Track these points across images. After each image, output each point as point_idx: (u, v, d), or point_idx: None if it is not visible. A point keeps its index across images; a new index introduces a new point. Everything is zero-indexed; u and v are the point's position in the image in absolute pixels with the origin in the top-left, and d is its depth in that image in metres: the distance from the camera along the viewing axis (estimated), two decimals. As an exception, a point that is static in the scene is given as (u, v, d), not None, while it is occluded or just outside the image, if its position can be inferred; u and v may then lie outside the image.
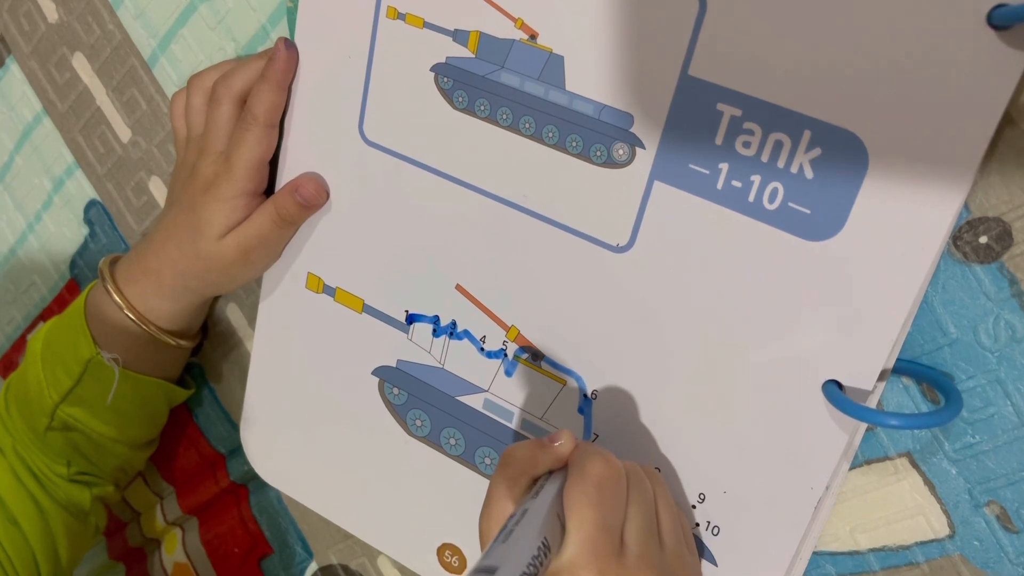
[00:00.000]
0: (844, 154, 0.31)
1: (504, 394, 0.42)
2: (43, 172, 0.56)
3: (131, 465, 0.54)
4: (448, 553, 0.46)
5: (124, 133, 0.52)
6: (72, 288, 0.58)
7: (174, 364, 0.52)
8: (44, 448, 0.50)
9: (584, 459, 0.34)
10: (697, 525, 0.38)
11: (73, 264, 0.57)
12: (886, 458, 0.36)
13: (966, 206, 0.32)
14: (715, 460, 0.37)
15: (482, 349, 0.42)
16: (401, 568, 0.50)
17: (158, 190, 0.52)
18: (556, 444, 0.34)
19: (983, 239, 0.32)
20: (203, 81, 0.45)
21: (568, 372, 0.40)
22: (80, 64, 0.52)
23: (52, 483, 0.51)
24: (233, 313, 0.52)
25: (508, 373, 0.42)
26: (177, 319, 0.48)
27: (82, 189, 0.55)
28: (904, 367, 0.34)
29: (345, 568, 0.52)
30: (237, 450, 0.54)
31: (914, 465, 0.35)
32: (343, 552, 0.52)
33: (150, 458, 0.58)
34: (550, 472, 0.34)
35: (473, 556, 0.45)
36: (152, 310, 0.47)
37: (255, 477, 0.53)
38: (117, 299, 0.47)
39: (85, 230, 0.56)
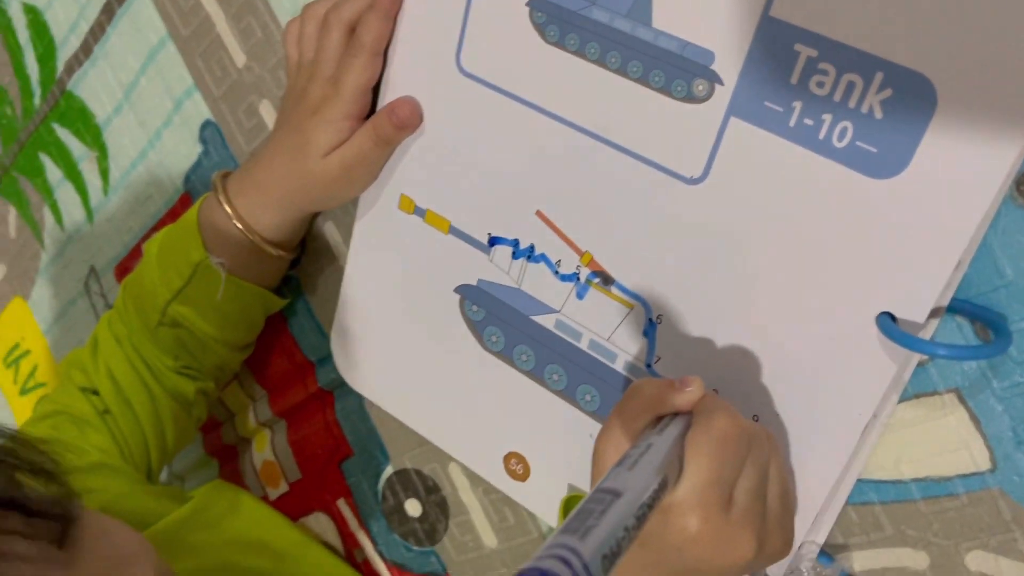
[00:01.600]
0: (914, 96, 0.33)
1: (574, 315, 0.45)
2: (165, 93, 0.61)
3: (229, 365, 0.59)
4: (513, 461, 0.50)
5: (239, 58, 0.57)
6: (185, 201, 0.63)
7: (274, 274, 0.56)
8: (155, 342, 0.56)
9: (713, 412, 0.35)
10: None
11: (187, 179, 0.62)
12: (935, 393, 0.37)
13: (1030, 152, 0.33)
14: (770, 383, 0.39)
15: (557, 272, 0.45)
16: (469, 474, 0.53)
17: (267, 113, 0.56)
18: (686, 389, 0.36)
19: (1045, 185, 0.33)
20: (316, 10, 0.49)
21: (636, 297, 0.43)
22: (203, -8, 0.57)
23: (161, 373, 0.56)
24: (330, 231, 0.56)
25: (580, 296, 0.45)
26: (280, 231, 0.53)
27: (199, 110, 0.60)
28: (959, 306, 0.36)
29: (418, 472, 0.56)
30: (326, 358, 0.58)
31: (962, 401, 0.37)
32: (417, 457, 0.56)
33: (245, 362, 0.63)
34: (674, 414, 0.36)
35: (536, 465, 0.49)
36: (258, 221, 0.52)
37: (341, 384, 0.58)
38: (227, 209, 0.52)
39: (199, 148, 0.61)
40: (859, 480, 0.40)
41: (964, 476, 0.38)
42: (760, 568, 0.38)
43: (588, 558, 0.25)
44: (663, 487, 0.32)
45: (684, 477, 0.34)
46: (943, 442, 0.38)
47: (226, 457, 0.69)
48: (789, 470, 0.40)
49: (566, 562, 0.25)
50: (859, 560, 0.41)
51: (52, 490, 0.35)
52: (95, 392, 0.56)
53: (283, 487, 0.64)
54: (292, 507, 0.64)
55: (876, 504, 0.40)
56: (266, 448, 0.65)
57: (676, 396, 0.36)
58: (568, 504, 0.47)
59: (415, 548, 0.58)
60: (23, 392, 0.84)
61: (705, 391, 0.36)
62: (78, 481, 0.52)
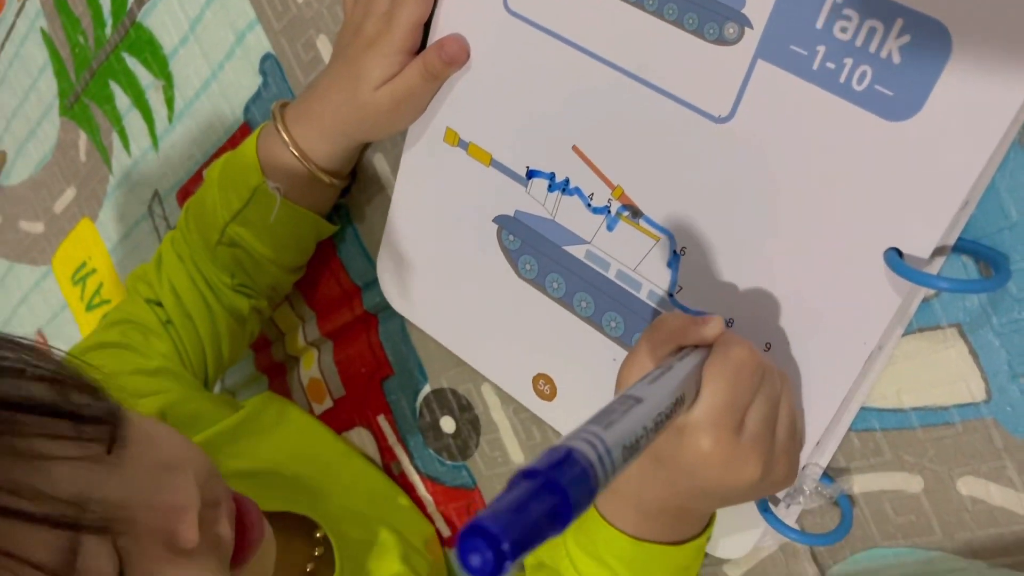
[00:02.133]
0: (930, 43, 0.35)
1: (604, 246, 0.48)
2: (228, 26, 0.64)
3: (281, 285, 0.63)
4: (542, 382, 0.53)
5: (300, -6, 0.60)
6: (244, 130, 0.67)
7: (325, 201, 0.60)
8: (214, 260, 0.60)
9: (731, 343, 0.38)
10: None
11: (247, 109, 0.66)
12: (938, 327, 0.40)
13: (1039, 99, 0.35)
14: (782, 313, 0.42)
15: (589, 205, 0.48)
16: (500, 394, 0.57)
17: (324, 47, 0.59)
18: (708, 324, 0.39)
19: (1051, 131, 0.35)
20: (372, -51, 0.52)
21: (662, 229, 0.46)
22: (267, -70, 0.60)
23: (219, 290, 0.60)
24: (379, 162, 0.59)
25: (609, 228, 0.48)
26: (332, 159, 0.56)
27: (260, 43, 0.63)
28: (964, 245, 0.38)
29: (453, 392, 0.60)
30: (372, 283, 0.62)
31: (962, 335, 0.39)
32: (453, 378, 0.60)
33: (296, 285, 0.67)
34: (695, 346, 0.39)
35: (563, 386, 0.52)
36: (312, 149, 0.55)
37: (385, 308, 0.61)
38: (285, 137, 0.55)
39: (259, 80, 0.64)
40: (862, 408, 0.43)
41: (960, 406, 0.40)
42: (764, 494, 0.41)
43: (610, 444, 0.28)
44: (680, 403, 0.35)
45: (700, 400, 0.36)
46: (943, 374, 0.40)
47: (275, 374, 0.74)
48: (798, 403, 0.42)
49: (592, 445, 0.27)
50: (859, 482, 0.44)
51: (98, 405, 0.38)
52: (159, 304, 0.60)
53: (328, 403, 0.69)
54: (335, 422, 0.68)
55: (877, 431, 0.43)
56: (313, 366, 0.69)
57: (699, 329, 0.39)
58: None
59: (448, 462, 0.62)
60: (89, 308, 0.89)
61: (725, 327, 0.39)
62: (143, 383, 0.57)
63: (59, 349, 0.42)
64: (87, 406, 0.37)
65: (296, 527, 0.55)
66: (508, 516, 0.24)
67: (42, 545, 0.33)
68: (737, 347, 0.38)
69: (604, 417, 0.30)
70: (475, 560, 0.23)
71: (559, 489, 0.25)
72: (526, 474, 0.25)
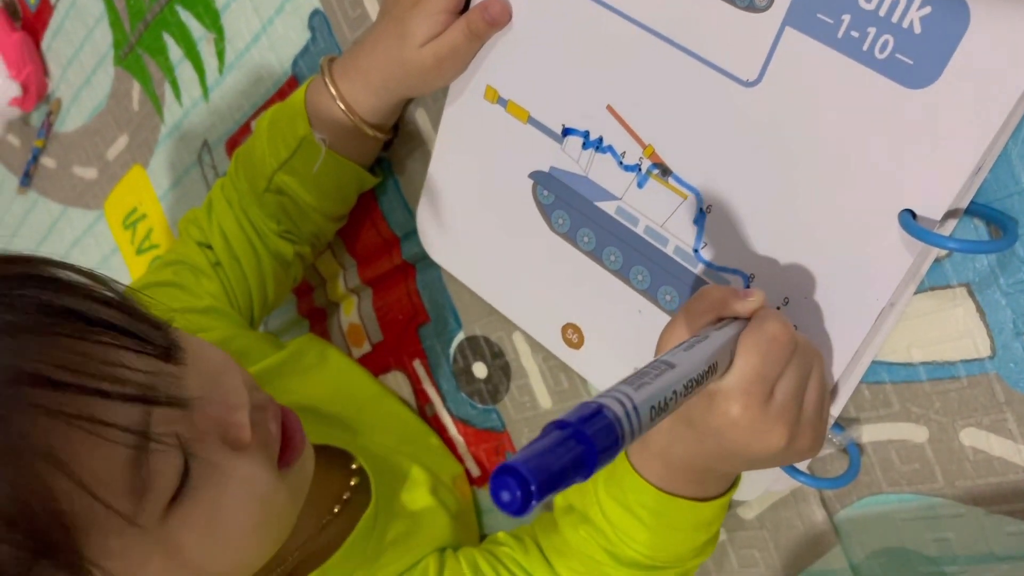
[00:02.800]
0: (950, 14, 0.37)
1: (634, 203, 0.50)
2: (278, -18, 0.67)
3: (324, 233, 0.66)
4: (570, 331, 0.56)
5: (348, -48, 0.62)
6: (292, 84, 0.69)
7: (369, 153, 0.63)
8: (261, 206, 0.63)
9: (767, 317, 0.39)
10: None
11: (295, 63, 0.69)
12: (948, 287, 0.42)
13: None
14: (800, 269, 0.44)
15: (621, 163, 0.50)
16: (531, 342, 0.60)
17: (371, 5, 0.62)
18: (748, 298, 0.40)
19: (1063, 101, 0.37)
20: (420, -90, 0.54)
21: (690, 188, 0.48)
22: None
23: (265, 235, 0.63)
24: (421, 117, 0.62)
25: (640, 185, 0.50)
26: (376, 113, 0.59)
27: (309, -1, 0.65)
28: (976, 209, 0.40)
29: (486, 339, 0.63)
30: (411, 234, 0.65)
31: (971, 294, 0.41)
32: (486, 326, 0.63)
33: (338, 234, 0.70)
34: (734, 318, 0.41)
35: (590, 335, 0.55)
36: (358, 102, 0.58)
37: (423, 258, 0.64)
38: (332, 90, 0.58)
39: (307, 35, 0.67)
40: (873, 362, 0.45)
41: (967, 361, 0.42)
42: (788, 462, 0.43)
43: (638, 403, 0.31)
44: (712, 371, 0.37)
45: (733, 368, 0.39)
46: (951, 330, 0.42)
47: (316, 318, 0.77)
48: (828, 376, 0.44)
49: (621, 403, 0.30)
50: (867, 432, 0.46)
51: (157, 332, 0.42)
52: (209, 247, 0.64)
53: (366, 347, 0.72)
54: (373, 365, 0.71)
55: (887, 383, 0.45)
56: (353, 312, 0.72)
57: (738, 302, 0.41)
58: None
59: (479, 406, 0.65)
60: (139, 252, 0.93)
61: (764, 302, 0.41)
62: (194, 320, 0.61)
63: (118, 282, 0.45)
64: (149, 328, 0.42)
65: (334, 460, 0.59)
66: (537, 460, 0.27)
67: (121, 413, 0.37)
68: (772, 321, 0.39)
69: (637, 379, 0.33)
70: (505, 496, 0.26)
71: (586, 439, 0.28)
72: (557, 424, 0.29)
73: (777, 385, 0.39)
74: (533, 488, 0.26)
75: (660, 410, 0.32)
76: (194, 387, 0.42)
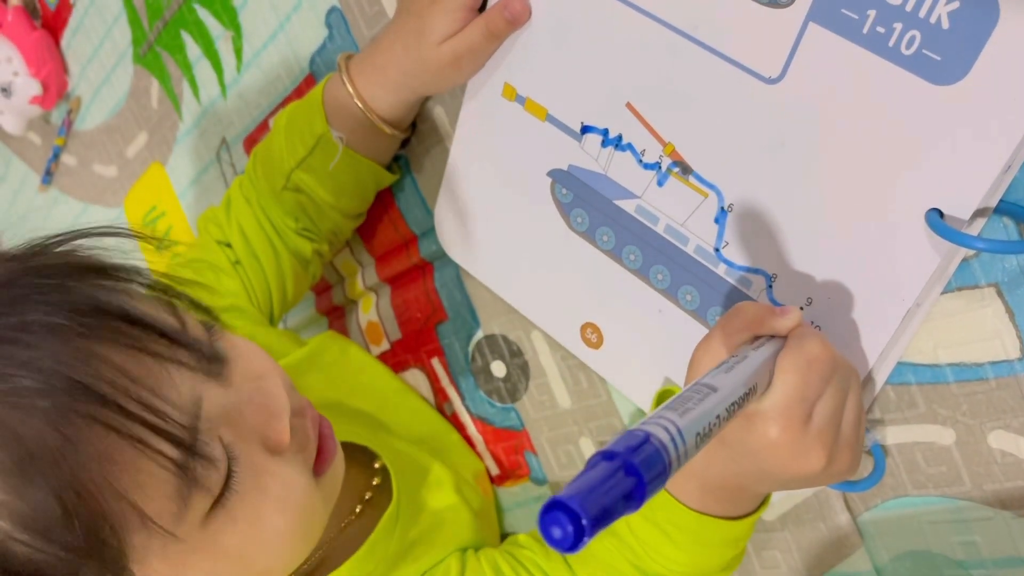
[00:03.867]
0: (978, 8, 0.36)
1: (654, 201, 0.50)
2: (295, -21, 0.67)
3: (342, 231, 0.66)
4: (589, 331, 0.56)
5: (365, -51, 0.61)
6: (310, 81, 0.69)
7: (386, 151, 0.62)
8: (279, 204, 0.63)
9: (806, 336, 0.39)
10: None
11: (312, 61, 0.68)
12: (976, 286, 0.41)
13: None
14: (825, 270, 0.44)
15: (641, 161, 0.50)
16: (550, 341, 0.60)
17: (388, 2, 0.61)
18: (786, 316, 0.40)
19: (1096, 98, 0.36)
20: (437, -94, 0.53)
21: (710, 186, 0.47)
22: None
23: (284, 233, 0.63)
24: (439, 115, 0.61)
25: (660, 183, 0.49)
26: (394, 111, 0.58)
27: (326, -4, 0.65)
28: (1006, 208, 0.39)
29: (504, 338, 0.63)
30: (429, 232, 0.65)
31: (999, 295, 0.41)
32: (504, 324, 0.62)
33: (357, 232, 0.70)
34: (770, 336, 0.40)
35: (609, 335, 0.54)
36: (375, 100, 0.58)
37: (441, 256, 0.64)
38: (349, 88, 0.57)
39: (324, 32, 0.66)
40: (899, 363, 0.44)
41: (995, 363, 0.41)
42: (825, 483, 0.42)
43: (684, 430, 0.30)
44: (752, 393, 0.36)
45: (772, 390, 0.38)
46: (979, 331, 0.42)
47: (335, 316, 0.77)
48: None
49: (667, 430, 0.30)
50: (892, 434, 0.46)
51: (205, 342, 0.43)
52: (228, 245, 0.64)
53: (385, 345, 0.72)
54: (391, 363, 0.71)
55: (913, 384, 0.44)
56: (371, 310, 0.72)
57: (776, 320, 0.40)
58: (660, 396, 0.51)
59: (498, 404, 0.65)
60: (158, 249, 0.93)
61: (802, 319, 0.40)
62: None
63: (159, 273, 0.46)
64: (199, 339, 0.42)
65: (356, 457, 0.59)
66: (587, 494, 0.26)
67: (167, 439, 0.37)
68: (811, 342, 0.39)
69: (680, 404, 0.32)
70: (556, 533, 0.26)
71: (635, 471, 0.28)
72: (604, 455, 0.28)
73: (816, 407, 0.39)
74: (585, 523, 0.26)
75: (705, 435, 0.32)
76: (237, 392, 0.43)
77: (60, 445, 0.35)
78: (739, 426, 0.39)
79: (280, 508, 0.43)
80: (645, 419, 0.31)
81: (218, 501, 0.40)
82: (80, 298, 0.38)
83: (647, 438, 0.29)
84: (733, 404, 0.35)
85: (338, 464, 0.49)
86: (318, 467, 0.46)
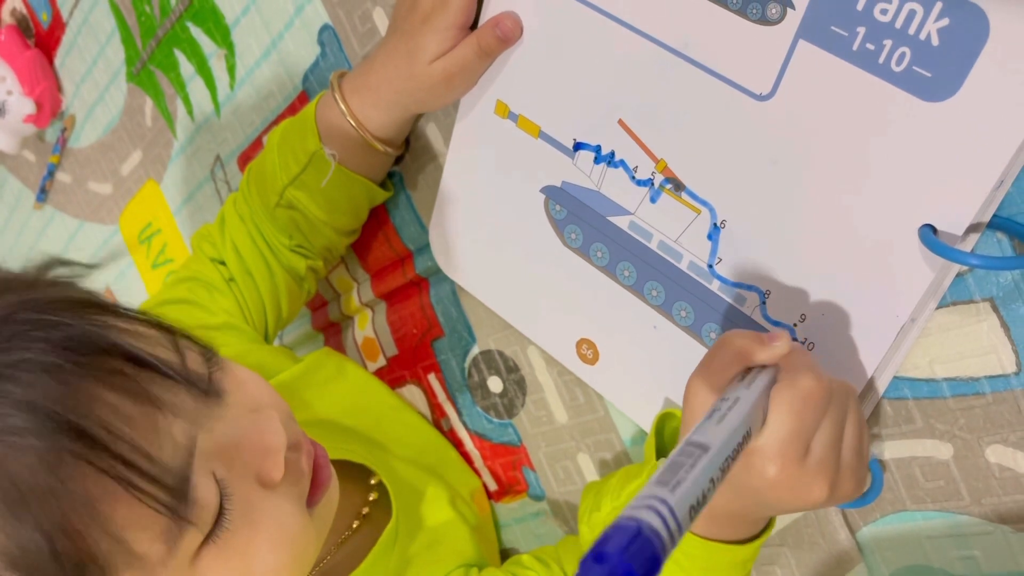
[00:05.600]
0: (968, 26, 0.36)
1: (647, 217, 0.50)
2: (287, -3, 0.67)
3: (336, 247, 0.66)
4: (585, 346, 0.55)
5: (356, -33, 0.61)
6: (303, 99, 0.69)
7: (379, 168, 0.62)
8: (273, 221, 0.62)
9: (798, 371, 0.38)
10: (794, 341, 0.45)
11: (305, 78, 0.68)
12: (971, 301, 0.41)
13: (1076, 81, 0.35)
14: (818, 285, 0.44)
15: (633, 177, 0.50)
16: (546, 357, 0.59)
17: (380, 20, 0.61)
18: (774, 344, 0.39)
19: (1087, 113, 0.36)
20: (428, -75, 0.53)
21: (703, 203, 0.47)
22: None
23: (278, 250, 0.63)
24: (432, 132, 0.61)
25: (653, 200, 0.49)
26: (387, 129, 0.58)
27: (318, 14, 0.65)
28: (999, 223, 0.39)
29: (501, 353, 0.63)
30: (424, 248, 0.65)
31: (995, 309, 0.40)
32: (500, 340, 0.62)
33: (352, 248, 0.70)
34: (762, 366, 0.39)
35: (605, 351, 0.54)
36: (368, 118, 0.57)
37: (436, 272, 0.64)
38: (342, 106, 0.57)
39: (317, 50, 0.66)
40: (895, 377, 0.44)
41: (991, 377, 0.41)
42: (831, 506, 0.42)
43: (677, 508, 0.30)
44: (747, 438, 0.36)
45: (767, 428, 0.37)
46: (975, 346, 0.41)
47: (331, 333, 0.77)
48: (834, 374, 0.43)
49: (658, 513, 0.29)
50: (890, 449, 0.46)
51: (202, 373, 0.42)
52: (222, 263, 0.64)
53: (381, 361, 0.72)
54: (388, 379, 0.71)
55: (909, 399, 0.44)
56: (367, 326, 0.72)
57: (764, 352, 0.39)
58: (662, 420, 0.51)
59: (495, 420, 0.65)
60: (154, 266, 0.93)
61: (792, 346, 0.39)
62: (208, 337, 0.61)
63: (131, 310, 0.45)
64: (198, 373, 0.42)
65: (352, 474, 0.59)
66: None
67: (158, 484, 0.37)
68: (804, 376, 0.38)
69: (670, 475, 0.31)
70: None
71: (629, 572, 0.27)
72: (596, 557, 0.27)
73: (814, 439, 0.38)
74: None
75: (699, 506, 0.31)
76: (232, 428, 0.42)
77: (51, 485, 0.35)
78: (738, 467, 0.37)
79: (272, 544, 0.42)
80: (635, 499, 0.30)
81: (209, 537, 0.40)
82: (77, 334, 0.38)
83: (639, 531, 0.28)
84: (727, 459, 0.34)
85: (332, 492, 0.48)
86: (312, 498, 0.46)
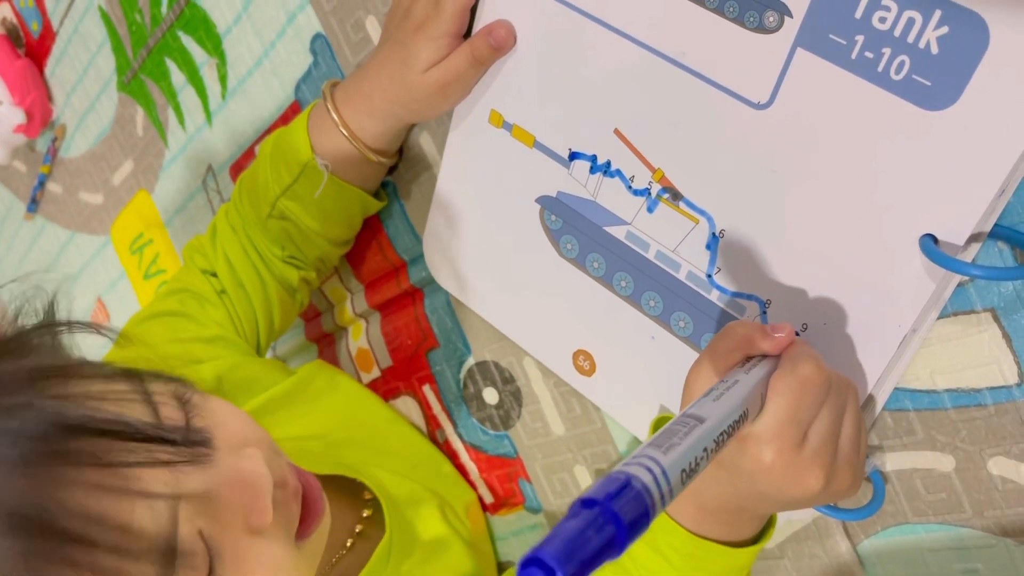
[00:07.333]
0: (968, 34, 0.35)
1: (644, 227, 0.49)
2: (279, 6, 0.66)
3: (329, 258, 0.65)
4: (581, 358, 0.55)
5: (349, -25, 0.61)
6: (295, 108, 0.69)
7: (373, 178, 0.62)
8: (265, 232, 0.62)
9: (799, 358, 0.38)
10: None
11: (297, 88, 0.68)
12: (972, 311, 0.41)
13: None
14: (818, 295, 0.43)
15: (630, 187, 0.49)
16: (542, 368, 0.59)
17: (373, 28, 0.61)
18: (776, 335, 0.39)
19: (1089, 121, 0.35)
20: (420, -67, 0.53)
21: (701, 212, 0.47)
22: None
23: (270, 261, 0.63)
24: (426, 141, 0.61)
25: (650, 210, 0.49)
26: (380, 138, 0.58)
27: (310, 22, 0.64)
28: (1001, 232, 0.39)
29: (496, 365, 0.62)
30: (418, 258, 0.64)
31: (996, 320, 0.40)
32: (496, 351, 0.62)
33: (345, 259, 0.69)
34: (763, 356, 0.39)
35: (602, 362, 0.54)
36: (361, 128, 0.57)
37: (431, 282, 0.63)
38: (334, 116, 0.57)
39: (309, 59, 0.66)
40: (896, 389, 0.44)
41: (993, 388, 0.41)
42: (827, 502, 0.41)
43: (667, 468, 0.29)
44: (743, 419, 0.36)
45: (764, 413, 0.37)
46: (976, 357, 0.41)
47: (325, 343, 0.76)
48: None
49: (649, 470, 0.29)
50: (891, 460, 0.45)
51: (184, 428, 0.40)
52: (214, 274, 0.63)
53: (375, 372, 0.71)
54: (382, 390, 0.70)
55: (910, 411, 0.44)
56: (361, 337, 0.71)
57: (766, 340, 0.39)
58: (658, 424, 0.51)
59: (491, 432, 0.64)
60: (146, 277, 0.93)
61: (794, 337, 0.39)
62: (200, 350, 0.60)
63: (92, 364, 0.42)
64: (175, 427, 0.40)
65: (345, 489, 0.58)
66: (565, 547, 0.25)
67: (143, 560, 0.36)
68: (805, 362, 0.38)
69: (665, 440, 0.31)
70: None
71: (615, 518, 0.27)
72: (584, 503, 0.27)
73: (811, 427, 0.38)
74: None
75: (692, 471, 0.31)
76: (218, 471, 0.40)
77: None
78: (733, 449, 0.38)
79: None
80: (628, 458, 0.30)
81: None
82: (44, 418, 0.35)
83: (628, 481, 0.28)
84: (722, 434, 0.34)
85: (324, 521, 0.47)
86: (305, 529, 0.45)
